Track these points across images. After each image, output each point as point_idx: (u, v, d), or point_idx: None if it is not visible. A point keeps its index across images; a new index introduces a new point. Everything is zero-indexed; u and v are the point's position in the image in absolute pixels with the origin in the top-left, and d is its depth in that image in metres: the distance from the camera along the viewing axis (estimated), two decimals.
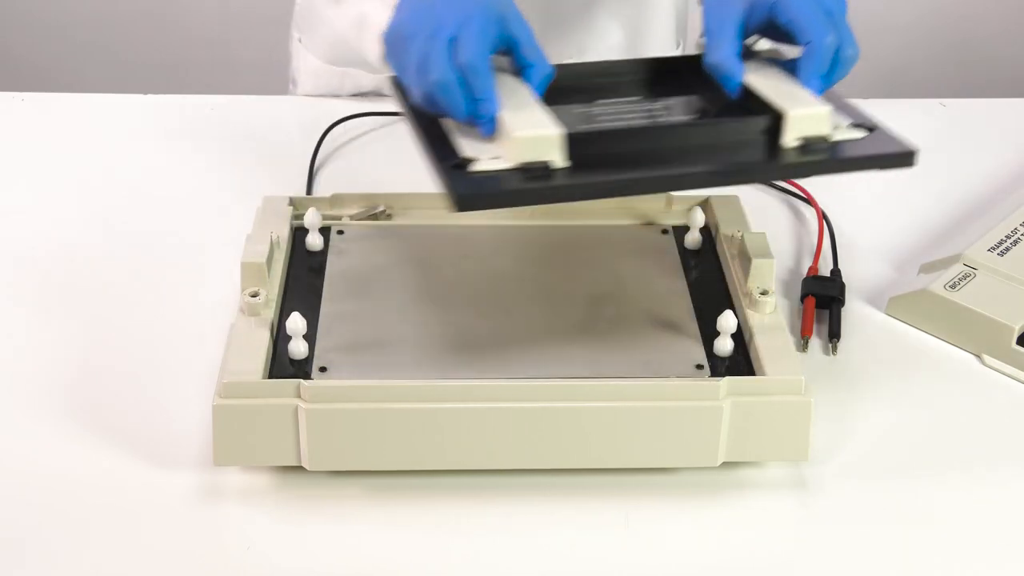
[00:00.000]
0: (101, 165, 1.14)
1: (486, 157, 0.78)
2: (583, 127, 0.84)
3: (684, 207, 0.95)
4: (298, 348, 0.80)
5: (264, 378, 0.77)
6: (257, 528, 0.76)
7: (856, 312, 0.97)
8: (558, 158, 0.78)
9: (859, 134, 0.84)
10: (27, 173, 1.13)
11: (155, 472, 0.80)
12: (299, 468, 0.78)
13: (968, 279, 0.94)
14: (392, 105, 1.23)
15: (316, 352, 0.80)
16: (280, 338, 0.81)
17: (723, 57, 0.86)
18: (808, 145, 0.82)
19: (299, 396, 0.75)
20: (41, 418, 0.84)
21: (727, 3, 0.87)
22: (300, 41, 1.29)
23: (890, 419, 0.86)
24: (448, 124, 0.84)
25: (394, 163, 1.16)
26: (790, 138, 0.82)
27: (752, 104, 0.85)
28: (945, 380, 0.91)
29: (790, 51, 0.89)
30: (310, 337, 0.81)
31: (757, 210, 1.06)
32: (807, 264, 1.01)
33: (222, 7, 2.53)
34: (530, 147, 0.78)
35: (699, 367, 0.80)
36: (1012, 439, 0.85)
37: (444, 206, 0.76)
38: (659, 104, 0.90)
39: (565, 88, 0.86)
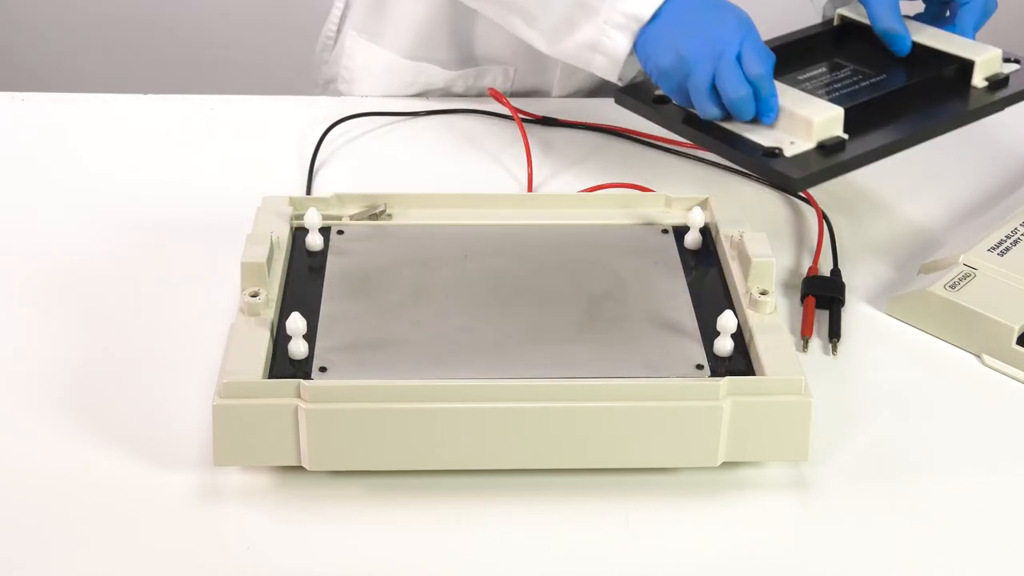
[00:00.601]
0: (101, 165, 1.14)
1: (786, 143, 0.95)
2: (846, 103, 0.98)
3: (684, 207, 0.95)
4: (298, 348, 0.80)
5: (264, 378, 0.77)
6: (257, 528, 0.76)
7: (856, 312, 0.97)
8: (841, 131, 0.95)
9: (1015, 66, 1.05)
10: (27, 173, 1.13)
11: (155, 472, 0.80)
12: (299, 468, 0.78)
13: (968, 279, 0.94)
14: (391, 105, 1.23)
15: (316, 352, 0.80)
16: (280, 338, 0.81)
17: (895, 22, 1.04)
18: (991, 83, 1.04)
19: (299, 396, 0.75)
20: (41, 418, 0.84)
21: None
22: (363, 38, 1.28)
23: (890, 419, 0.86)
24: (722, 123, 0.99)
25: (394, 163, 1.16)
26: (979, 79, 1.03)
27: (923, 57, 1.04)
28: (945, 380, 0.91)
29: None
30: (310, 337, 0.81)
31: (757, 210, 1.06)
32: (807, 264, 1.01)
33: (222, 7, 2.53)
34: (825, 127, 0.94)
35: (699, 367, 0.80)
36: (1012, 439, 0.85)
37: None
38: (845, 71, 1.07)
39: None
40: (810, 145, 0.94)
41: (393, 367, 0.79)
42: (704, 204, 0.95)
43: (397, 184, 1.10)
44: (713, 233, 0.93)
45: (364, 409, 0.75)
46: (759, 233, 0.90)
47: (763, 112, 0.96)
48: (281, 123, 1.21)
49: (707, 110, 0.97)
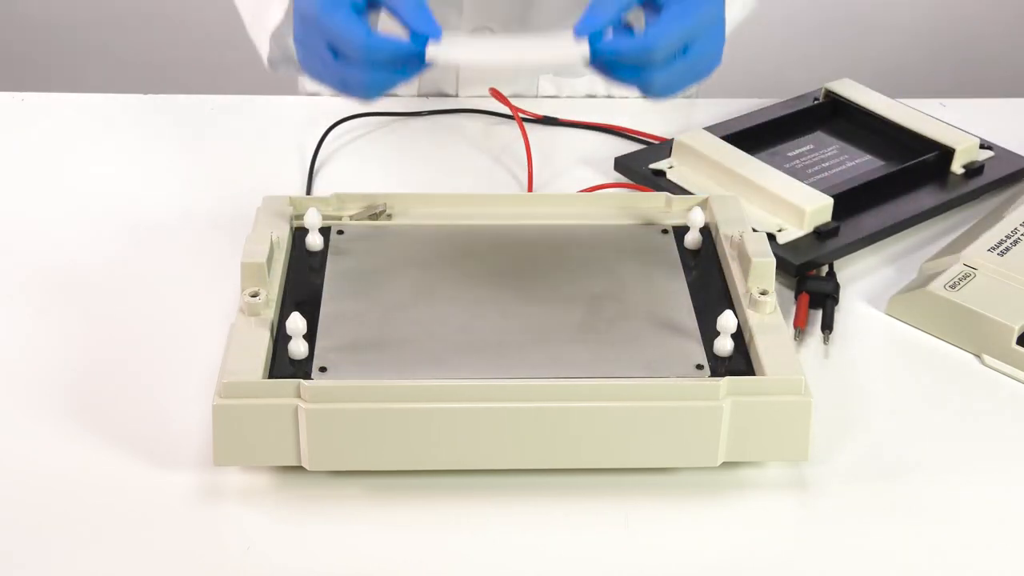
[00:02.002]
0: (101, 165, 1.14)
1: (780, 230, 0.99)
2: (834, 187, 1.03)
3: (684, 207, 0.95)
4: (298, 348, 0.80)
5: (264, 378, 0.77)
6: (257, 528, 0.76)
7: (856, 312, 0.97)
8: (829, 218, 1.00)
9: (988, 153, 1.12)
10: (27, 173, 1.13)
11: (155, 472, 0.80)
12: (299, 468, 0.78)
13: (968, 279, 0.94)
14: (392, 105, 1.23)
15: (316, 352, 0.80)
16: (280, 338, 0.81)
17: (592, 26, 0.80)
18: (968, 170, 1.10)
19: (299, 396, 0.75)
20: (41, 418, 0.84)
21: None
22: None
23: (890, 419, 0.86)
24: None
25: (394, 163, 1.16)
26: (957, 166, 1.10)
27: (904, 140, 1.11)
28: (945, 380, 0.91)
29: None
30: (310, 337, 0.81)
31: None
32: None
33: (222, 7, 2.53)
34: (818, 215, 0.99)
35: (699, 367, 0.80)
36: (1012, 439, 0.85)
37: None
38: (831, 149, 1.12)
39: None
40: (805, 231, 0.99)
41: (393, 367, 0.79)
42: (704, 204, 0.95)
43: (397, 184, 1.10)
44: (713, 233, 0.93)
45: (364, 409, 0.75)
46: (759, 233, 0.90)
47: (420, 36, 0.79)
48: (281, 123, 1.21)
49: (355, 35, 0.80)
